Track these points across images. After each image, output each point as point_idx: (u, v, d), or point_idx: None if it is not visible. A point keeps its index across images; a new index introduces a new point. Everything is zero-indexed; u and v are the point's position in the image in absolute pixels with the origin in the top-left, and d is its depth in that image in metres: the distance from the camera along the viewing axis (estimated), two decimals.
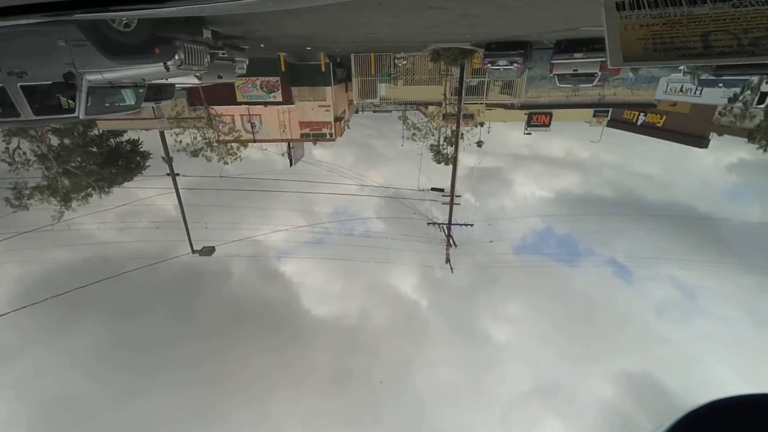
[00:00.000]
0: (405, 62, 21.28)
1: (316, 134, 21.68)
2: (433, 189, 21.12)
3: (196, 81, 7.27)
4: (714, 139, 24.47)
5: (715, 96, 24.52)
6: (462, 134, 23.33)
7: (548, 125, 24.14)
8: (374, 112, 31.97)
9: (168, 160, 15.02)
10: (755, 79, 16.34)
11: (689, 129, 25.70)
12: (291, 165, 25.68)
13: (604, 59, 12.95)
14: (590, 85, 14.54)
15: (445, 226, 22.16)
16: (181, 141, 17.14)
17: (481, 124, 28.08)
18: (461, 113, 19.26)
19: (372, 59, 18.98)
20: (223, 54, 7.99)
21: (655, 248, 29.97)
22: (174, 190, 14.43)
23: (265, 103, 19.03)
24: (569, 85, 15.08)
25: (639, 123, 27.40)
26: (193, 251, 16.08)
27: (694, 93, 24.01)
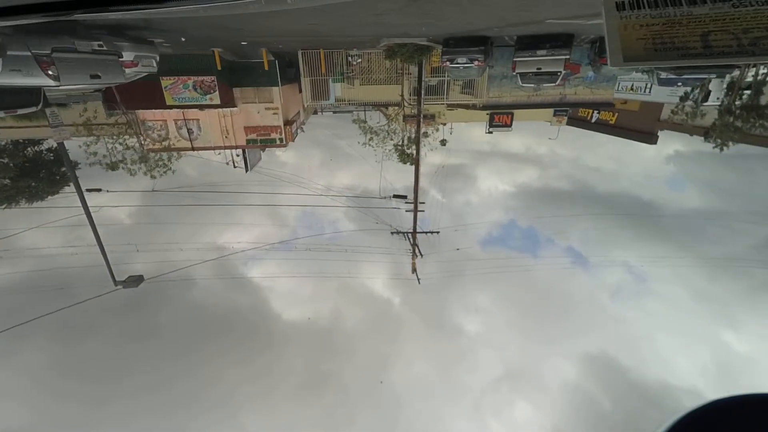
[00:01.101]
0: (360, 60, 19.68)
1: (264, 140, 19.57)
2: (395, 196, 19.72)
3: (52, 83, 5.27)
4: (663, 135, 25.35)
5: (663, 94, 25.47)
6: (426, 133, 22.18)
7: (510, 125, 23.59)
8: (334, 112, 30.19)
9: (72, 174, 12.43)
10: (713, 77, 16.32)
11: (639, 126, 26.56)
12: (247, 171, 23.33)
13: (567, 56, 12.12)
14: (553, 84, 13.72)
15: (410, 235, 20.87)
16: (96, 152, 14.49)
17: (443, 125, 27.22)
18: (421, 115, 17.96)
19: (322, 56, 17.21)
20: (100, 46, 6.03)
21: (608, 236, 32.26)
22: (84, 211, 11.91)
23: (201, 107, 16.70)
24: (531, 85, 14.18)
25: (593, 120, 28.11)
26: (116, 283, 13.56)
27: (644, 91, 24.90)
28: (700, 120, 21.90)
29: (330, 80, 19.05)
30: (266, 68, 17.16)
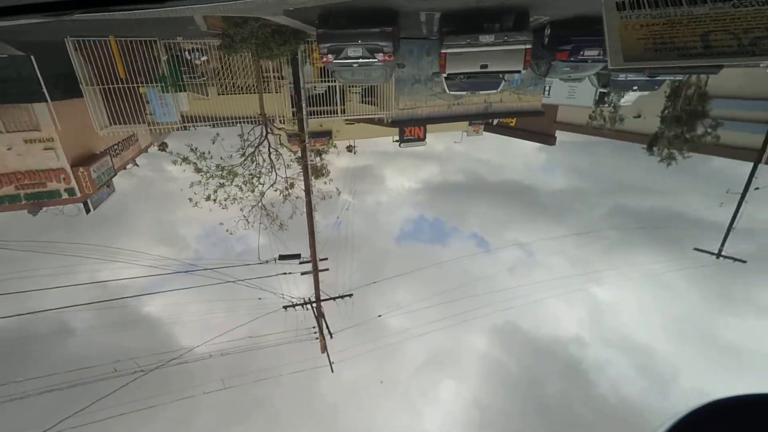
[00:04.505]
0: (205, 58, 12.75)
1: (34, 195, 11.26)
2: (282, 257, 13.28)
3: None
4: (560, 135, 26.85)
5: (561, 96, 24.57)
6: (319, 158, 16.27)
7: (423, 138, 19.21)
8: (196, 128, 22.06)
9: None
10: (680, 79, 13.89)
11: (539, 128, 26.43)
12: (88, 212, 14.02)
13: (527, 44, 7.52)
14: (495, 91, 9.19)
15: (312, 306, 14.66)
16: None
17: (349, 148, 21.71)
18: (305, 136, 11.94)
19: (115, 50, 9.86)
20: None
21: (503, 220, 39.34)
22: None
23: None
24: (463, 93, 9.42)
25: (494, 123, 26.96)
26: None
27: (543, 93, 24.21)
28: (620, 124, 20.71)
29: (151, 90, 11.69)
30: (13, 70, 9.23)
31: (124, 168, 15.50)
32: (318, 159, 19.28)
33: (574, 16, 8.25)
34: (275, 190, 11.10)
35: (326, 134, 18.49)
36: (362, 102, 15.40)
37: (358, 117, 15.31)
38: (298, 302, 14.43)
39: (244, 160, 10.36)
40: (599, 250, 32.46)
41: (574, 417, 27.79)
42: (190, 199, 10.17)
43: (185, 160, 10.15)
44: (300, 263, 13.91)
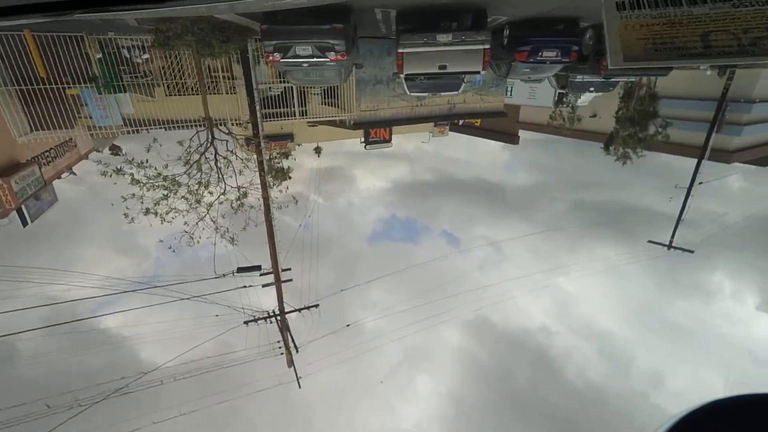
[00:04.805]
0: (147, 56, 11.64)
1: None
2: (241, 270, 12.41)
3: None
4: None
5: (523, 97, 25.26)
6: (281, 161, 15.51)
7: (389, 140, 18.91)
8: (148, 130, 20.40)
9: None
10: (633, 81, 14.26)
11: (503, 127, 27.04)
12: (25, 225, 12.21)
13: (486, 44, 7.26)
14: (456, 92, 8.93)
15: (277, 319, 13.85)
16: None
17: (317, 151, 20.99)
18: (261, 143, 11.18)
19: (32, 46, 8.66)
20: None
21: (472, 218, 40.17)
22: None
23: None
24: (424, 94, 9.10)
25: (460, 123, 27.37)
26: None
27: (505, 93, 24.81)
28: (578, 124, 21.41)
29: (86, 91, 10.48)
30: None
31: (59, 177, 13.95)
32: (280, 162, 18.42)
33: (532, 16, 8.14)
34: (227, 200, 10.19)
35: (287, 137, 17.69)
36: (323, 103, 14.79)
37: (319, 119, 14.69)
38: (261, 316, 13.60)
39: (189, 168, 9.40)
40: (562, 244, 33.83)
41: (544, 403, 28.83)
42: (126, 215, 9.06)
43: (119, 171, 9.04)
44: (261, 275, 13.12)
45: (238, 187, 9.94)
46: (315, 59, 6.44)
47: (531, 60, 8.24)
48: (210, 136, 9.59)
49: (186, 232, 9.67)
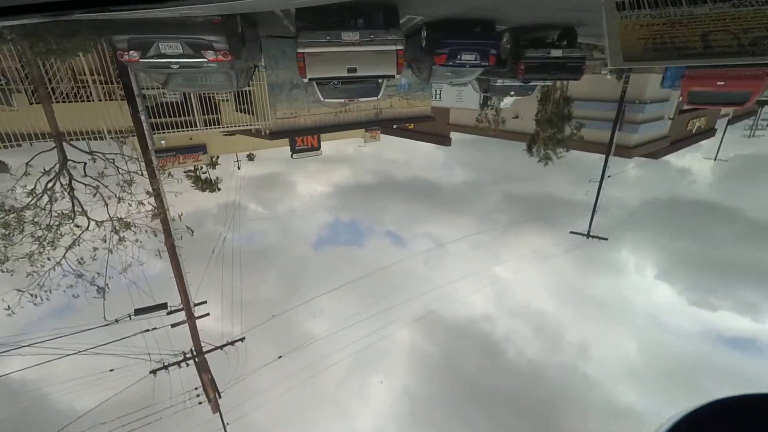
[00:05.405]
0: None
1: None
2: (140, 312, 10.32)
3: None
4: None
5: (451, 100, 25.96)
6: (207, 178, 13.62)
7: (318, 147, 17.74)
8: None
9: None
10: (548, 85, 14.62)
11: (435, 130, 27.92)
12: None
13: (399, 44, 6.47)
14: (375, 98, 8.14)
15: (194, 362, 11.86)
16: None
17: (250, 158, 18.98)
18: (154, 161, 9.31)
19: None
20: None
21: (413, 216, 40.16)
22: None
23: None
24: (341, 100, 8.18)
25: (394, 127, 27.38)
26: None
27: (434, 97, 25.50)
28: (503, 125, 22.19)
29: None
30: None
31: None
32: (206, 173, 16.29)
33: (448, 17, 7.65)
34: (111, 232, 8.21)
35: (199, 148, 15.62)
36: (237, 111, 13.15)
37: (233, 128, 12.99)
38: (173, 361, 11.53)
39: (36, 199, 7.28)
40: (497, 237, 36.01)
41: (492, 385, 30.33)
42: None
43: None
44: (168, 313, 11.09)
45: (111, 219, 8.01)
46: (188, 59, 5.11)
47: (450, 63, 7.75)
48: (60, 157, 7.55)
49: (22, 291, 7.42)
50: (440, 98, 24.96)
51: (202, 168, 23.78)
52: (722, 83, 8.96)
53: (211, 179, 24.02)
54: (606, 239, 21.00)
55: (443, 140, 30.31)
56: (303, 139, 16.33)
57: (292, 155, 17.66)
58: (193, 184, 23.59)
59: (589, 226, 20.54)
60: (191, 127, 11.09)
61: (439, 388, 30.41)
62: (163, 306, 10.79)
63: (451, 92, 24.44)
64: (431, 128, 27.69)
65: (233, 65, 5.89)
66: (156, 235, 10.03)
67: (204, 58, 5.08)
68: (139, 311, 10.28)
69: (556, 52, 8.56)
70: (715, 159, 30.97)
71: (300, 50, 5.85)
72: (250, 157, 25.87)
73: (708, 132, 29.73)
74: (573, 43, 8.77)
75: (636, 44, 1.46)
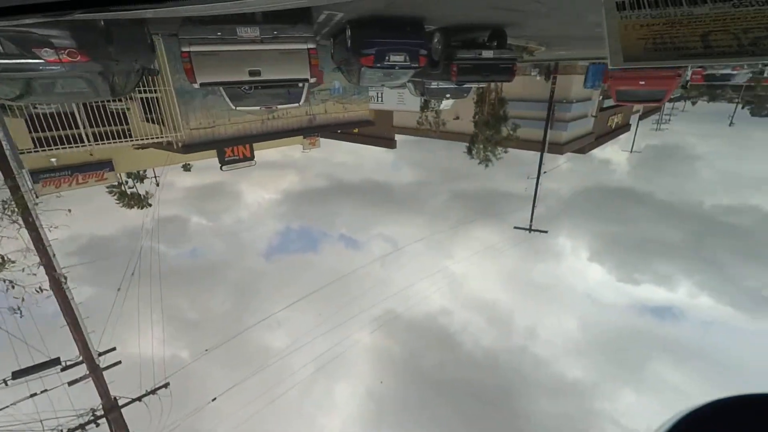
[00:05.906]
0: None
1: None
2: (18, 374, 8.25)
3: None
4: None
5: (393, 102, 25.75)
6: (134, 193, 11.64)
7: (251, 157, 16.24)
8: None
9: None
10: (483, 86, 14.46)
11: (379, 133, 27.58)
12: None
13: (310, 43, 5.52)
14: (296, 104, 7.17)
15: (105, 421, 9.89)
16: None
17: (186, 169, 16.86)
18: (24, 185, 7.44)
19: None
20: None
21: (364, 217, 41.78)
22: None
23: None
24: (255, 108, 7.09)
25: (338, 131, 26.63)
26: None
27: (376, 100, 25.29)
28: (443, 126, 22.20)
29: None
30: None
31: None
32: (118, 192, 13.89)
33: (373, 15, 6.92)
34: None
35: (104, 165, 13.44)
36: (145, 121, 11.36)
37: (141, 141, 11.18)
38: (75, 425, 9.48)
39: None
40: (447, 233, 37.01)
41: (453, 378, 30.86)
42: None
43: None
44: (62, 370, 9.08)
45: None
46: (18, 61, 3.76)
47: (378, 65, 7.04)
48: None
49: None
50: (382, 101, 24.53)
51: (127, 183, 20.94)
52: (643, 83, 9.50)
53: (139, 194, 21.22)
54: (546, 232, 21.94)
55: (389, 143, 30.04)
56: (233, 149, 14.77)
57: (221, 167, 15.96)
58: (118, 201, 20.69)
59: (531, 221, 21.32)
60: (76, 143, 9.22)
61: (403, 386, 30.63)
62: (55, 362, 8.80)
63: (392, 94, 24.10)
64: (376, 131, 27.34)
65: (102, 67, 4.60)
66: (36, 275, 8.11)
67: (41, 58, 3.78)
68: (18, 373, 8.23)
69: (487, 54, 8.25)
70: (630, 151, 34.34)
71: (185, 48, 4.71)
72: (186, 168, 23.52)
73: (624, 127, 32.79)
74: (503, 44, 8.54)
75: (636, 44, 1.49)
